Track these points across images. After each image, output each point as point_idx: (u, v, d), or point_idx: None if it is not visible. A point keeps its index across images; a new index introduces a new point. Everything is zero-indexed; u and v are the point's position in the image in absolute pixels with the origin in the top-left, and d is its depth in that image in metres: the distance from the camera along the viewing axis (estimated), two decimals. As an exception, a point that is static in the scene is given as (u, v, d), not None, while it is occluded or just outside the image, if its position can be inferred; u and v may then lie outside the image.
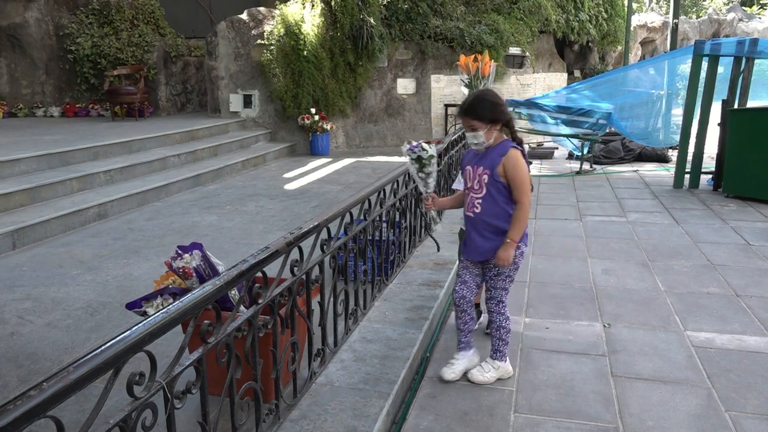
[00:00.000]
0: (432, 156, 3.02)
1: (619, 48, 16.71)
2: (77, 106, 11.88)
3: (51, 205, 5.97)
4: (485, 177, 2.76)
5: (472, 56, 2.99)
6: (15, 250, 5.16)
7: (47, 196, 6.18)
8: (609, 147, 10.04)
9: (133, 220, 6.21)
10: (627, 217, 6.39)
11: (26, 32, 11.46)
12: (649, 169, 9.43)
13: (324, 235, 2.78)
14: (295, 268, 2.48)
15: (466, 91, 3.23)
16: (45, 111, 11.77)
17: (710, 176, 7.85)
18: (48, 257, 4.99)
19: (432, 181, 3.08)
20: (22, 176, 6.41)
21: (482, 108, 2.69)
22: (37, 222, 5.45)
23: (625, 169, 9.45)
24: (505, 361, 3.02)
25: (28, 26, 11.46)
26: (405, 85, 11.77)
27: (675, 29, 11.97)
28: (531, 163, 2.79)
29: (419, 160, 3.02)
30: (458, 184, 3.44)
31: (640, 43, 22.65)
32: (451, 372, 2.96)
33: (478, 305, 3.64)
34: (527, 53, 12.79)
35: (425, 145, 2.99)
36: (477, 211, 2.81)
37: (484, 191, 2.78)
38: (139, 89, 11.04)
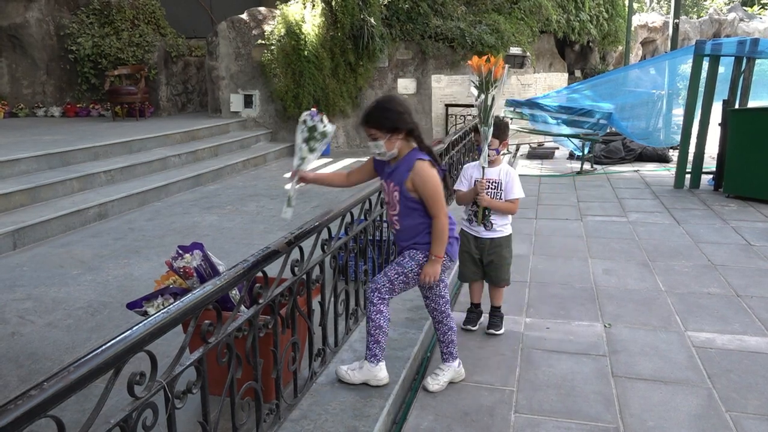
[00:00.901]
0: (326, 134, 2.74)
1: (620, 48, 16.71)
2: (78, 106, 11.89)
3: (51, 205, 5.97)
4: (396, 194, 2.63)
5: (485, 57, 2.96)
6: (15, 250, 5.16)
7: (47, 196, 6.18)
8: (610, 147, 10.04)
9: (133, 220, 6.21)
10: (628, 217, 6.38)
11: (27, 32, 11.47)
12: (649, 169, 9.43)
13: (325, 235, 2.78)
14: (296, 268, 2.48)
15: (475, 92, 3.18)
16: (46, 111, 11.78)
17: (711, 176, 7.84)
18: (48, 257, 4.99)
19: (312, 159, 2.77)
20: (23, 176, 6.41)
21: (382, 116, 2.53)
22: (38, 222, 5.45)
23: (625, 169, 9.45)
24: (454, 361, 2.94)
25: (29, 26, 11.47)
26: (406, 85, 11.78)
27: (676, 29, 11.97)
28: (445, 171, 2.69)
29: (312, 130, 2.73)
30: (460, 185, 3.45)
31: (640, 43, 22.64)
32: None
33: (478, 305, 3.65)
34: (528, 53, 12.78)
35: (326, 120, 2.76)
36: (397, 228, 2.72)
37: (398, 208, 2.65)
38: (139, 89, 11.04)
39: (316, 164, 10.24)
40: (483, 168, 3.29)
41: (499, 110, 10.52)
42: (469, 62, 3.15)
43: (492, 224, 3.41)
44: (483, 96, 3.09)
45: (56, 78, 12.01)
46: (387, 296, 2.72)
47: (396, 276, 2.71)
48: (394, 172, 2.63)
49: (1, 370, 3.09)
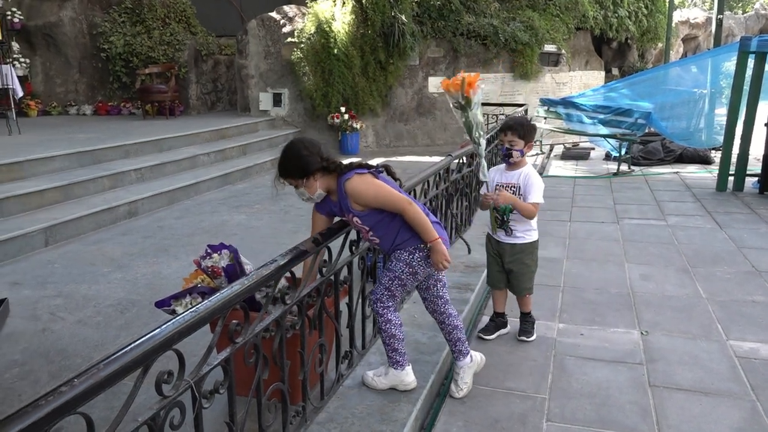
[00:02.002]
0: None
1: (660, 45, 16.40)
2: (109, 104, 12.17)
3: (83, 203, 6.12)
4: (356, 220, 2.57)
5: (455, 77, 2.92)
6: (47, 246, 5.30)
7: (79, 193, 6.33)
8: (648, 148, 9.86)
9: (162, 219, 6.32)
10: (667, 220, 6.26)
11: (61, 31, 11.78)
12: (690, 171, 9.22)
13: (353, 235, 2.79)
14: (324, 269, 2.49)
15: (458, 114, 3.14)
16: (78, 109, 12.08)
17: (756, 179, 7.64)
18: (79, 254, 5.12)
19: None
20: (56, 174, 6.58)
21: (290, 166, 2.47)
22: (70, 219, 5.59)
23: (665, 170, 9.27)
24: (465, 357, 2.86)
25: (63, 25, 11.78)
26: (436, 84, 11.74)
27: (719, 25, 11.68)
28: (377, 167, 2.59)
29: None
30: (483, 189, 3.35)
31: (681, 40, 22.17)
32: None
33: (501, 314, 3.59)
34: (563, 51, 12.64)
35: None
36: (377, 242, 2.66)
37: (368, 228, 2.59)
38: (170, 88, 11.24)
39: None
40: (485, 183, 3.26)
41: (532, 109, 10.44)
42: (441, 85, 3.13)
43: (512, 230, 3.32)
44: (465, 116, 3.06)
45: (88, 76, 12.31)
46: (390, 303, 2.70)
47: (390, 282, 2.67)
48: (341, 206, 2.56)
49: (32, 366, 3.18)
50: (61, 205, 5.99)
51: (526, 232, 3.34)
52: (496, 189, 3.31)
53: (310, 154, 2.46)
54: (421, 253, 2.61)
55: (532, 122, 3.48)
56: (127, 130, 9.12)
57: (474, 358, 2.93)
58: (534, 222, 3.34)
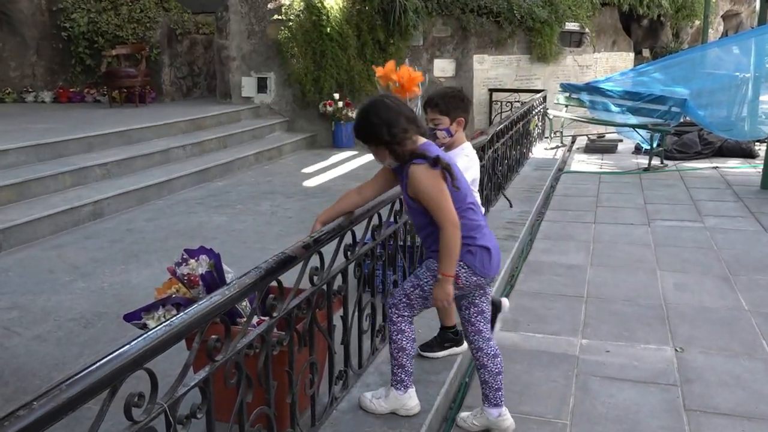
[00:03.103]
0: None
1: (697, 23, 16.40)
2: (71, 90, 12.17)
3: (41, 203, 6.12)
4: (405, 207, 2.64)
5: (394, 65, 2.79)
6: (1, 252, 5.30)
7: (37, 192, 6.34)
8: (683, 139, 9.87)
9: (131, 220, 6.33)
10: (704, 222, 6.27)
11: (16, 7, 11.79)
12: (731, 165, 9.24)
13: (348, 239, 2.80)
14: (315, 277, 2.50)
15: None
16: (35, 96, 12.09)
17: (806, 175, 7.65)
18: (37, 261, 5.12)
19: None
20: (10, 169, 6.58)
21: (363, 129, 2.60)
22: (26, 221, 5.59)
23: (702, 165, 9.28)
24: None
25: (18, 1, 11.78)
26: (443, 67, 11.75)
27: (765, 0, 11.69)
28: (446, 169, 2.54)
29: None
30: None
31: (722, 17, 22.20)
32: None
33: (453, 327, 3.33)
34: (586, 29, 12.65)
35: None
36: (419, 236, 2.71)
37: (411, 216, 2.69)
38: (140, 71, 11.24)
39: (339, 158, 10.24)
40: None
41: (552, 95, 10.44)
42: (377, 74, 3.00)
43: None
44: None
45: (47, 59, 12.32)
46: (406, 313, 2.72)
47: (412, 289, 2.70)
48: (403, 179, 2.62)
49: (-16, 388, 3.19)
50: (16, 206, 6.00)
51: None
52: None
53: (382, 123, 2.52)
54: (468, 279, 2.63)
55: (460, 92, 3.17)
56: (92, 120, 9.13)
57: (503, 415, 2.77)
58: None
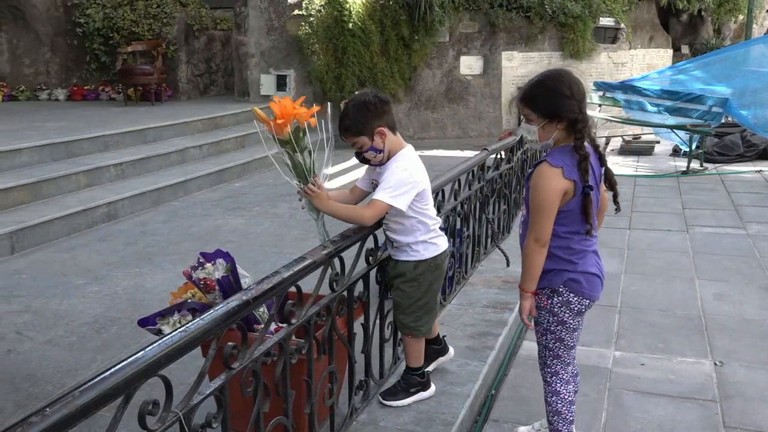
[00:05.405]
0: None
1: (741, 18, 16.18)
2: (86, 88, 12.34)
3: (54, 204, 6.22)
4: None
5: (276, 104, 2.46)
6: (13, 254, 5.39)
7: (50, 192, 6.43)
8: (725, 141, 9.76)
9: (146, 222, 6.40)
10: (747, 229, 6.20)
11: (30, 3, 11.97)
12: (776, 169, 9.12)
13: (370, 243, 2.80)
14: (335, 283, 2.51)
15: (287, 161, 2.69)
16: (49, 94, 12.27)
17: None
18: (50, 264, 5.20)
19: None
20: (23, 169, 6.69)
21: (539, 96, 2.41)
22: (39, 222, 5.68)
23: (745, 168, 9.17)
24: None
25: (33, -5, 11.98)
26: (470, 64, 11.73)
27: (813, -6, 11.52)
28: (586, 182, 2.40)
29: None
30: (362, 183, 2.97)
31: (767, 11, 21.89)
32: None
33: (436, 338, 3.22)
34: (622, 25, 12.55)
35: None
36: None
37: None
38: (156, 68, 11.36)
39: (358, 167, 10.29)
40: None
41: (589, 94, 10.37)
42: (256, 116, 2.67)
43: (391, 240, 2.84)
44: (292, 158, 2.68)
45: (62, 56, 12.50)
46: (558, 367, 2.56)
47: (543, 338, 2.57)
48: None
49: (-5, 393, 3.24)
50: (28, 206, 6.09)
51: (410, 247, 2.80)
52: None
53: (571, 97, 2.36)
54: (559, 297, 2.48)
55: (365, 99, 2.79)
56: (106, 119, 9.25)
57: None
58: (428, 233, 2.80)
